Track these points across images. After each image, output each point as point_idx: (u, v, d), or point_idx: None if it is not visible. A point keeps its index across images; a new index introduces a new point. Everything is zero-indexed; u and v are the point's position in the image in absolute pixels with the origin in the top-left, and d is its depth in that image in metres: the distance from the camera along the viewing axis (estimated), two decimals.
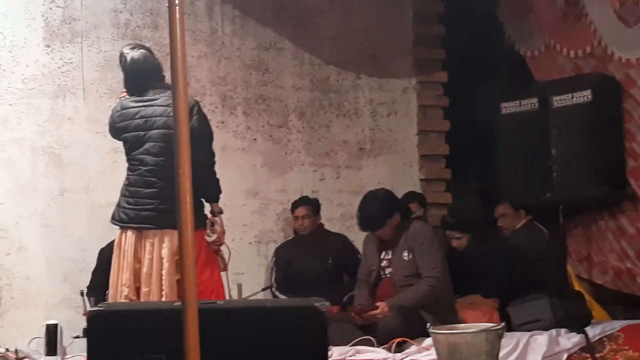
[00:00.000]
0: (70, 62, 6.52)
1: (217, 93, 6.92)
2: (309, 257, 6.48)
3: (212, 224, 4.90)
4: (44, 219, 6.37)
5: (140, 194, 4.75)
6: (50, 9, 6.50)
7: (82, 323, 5.61)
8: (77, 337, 5.62)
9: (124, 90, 5.03)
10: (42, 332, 5.52)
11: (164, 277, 4.66)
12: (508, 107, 7.03)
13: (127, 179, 4.85)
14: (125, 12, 6.71)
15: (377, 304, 5.42)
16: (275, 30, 7.14)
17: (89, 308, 5.48)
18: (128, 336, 3.32)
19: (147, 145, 4.77)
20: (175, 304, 3.27)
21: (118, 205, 4.85)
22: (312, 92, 7.23)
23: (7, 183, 6.29)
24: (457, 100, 7.59)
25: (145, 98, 4.85)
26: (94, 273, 6.19)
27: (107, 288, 6.03)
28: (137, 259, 4.76)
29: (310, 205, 6.65)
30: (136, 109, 4.84)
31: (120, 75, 6.27)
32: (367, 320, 5.40)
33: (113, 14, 6.68)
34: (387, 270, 5.62)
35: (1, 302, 6.21)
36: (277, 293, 6.49)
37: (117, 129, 4.93)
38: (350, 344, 5.17)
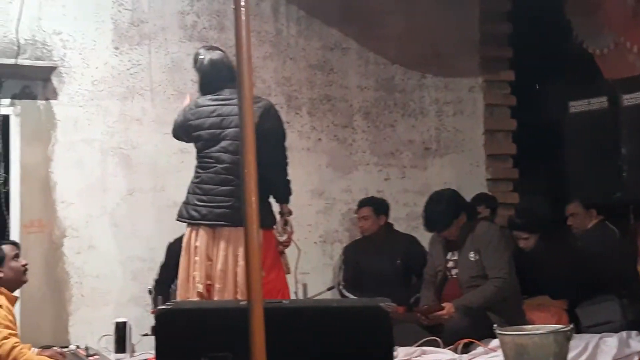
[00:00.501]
0: (139, 64, 6.61)
1: (282, 93, 6.95)
2: (378, 257, 6.45)
3: (285, 223, 4.95)
4: (114, 218, 6.47)
5: (214, 191, 4.76)
6: (119, 11, 6.60)
7: (151, 321, 5.71)
8: (146, 334, 5.69)
9: (192, 92, 5.12)
10: (111, 329, 5.62)
11: (238, 275, 4.68)
12: (577, 106, 6.93)
13: (199, 176, 4.86)
14: (192, 14, 6.78)
15: (443, 304, 5.39)
16: (341, 30, 7.14)
17: (157, 306, 5.56)
18: (195, 334, 3.36)
19: (223, 143, 4.79)
20: (242, 303, 3.30)
21: (187, 203, 4.87)
22: (377, 92, 7.22)
23: (77, 183, 6.40)
24: (524, 99, 7.51)
25: (221, 97, 4.89)
26: (162, 267, 6.25)
27: (173, 282, 6.14)
28: (208, 257, 4.78)
29: (372, 206, 6.58)
30: (212, 107, 4.88)
31: (187, 76, 6.40)
32: (432, 321, 5.37)
33: (180, 16, 6.75)
34: (454, 271, 5.59)
35: (72, 300, 6.31)
36: (344, 292, 6.47)
37: (189, 127, 4.93)
38: (416, 344, 5.15)
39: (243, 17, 2.72)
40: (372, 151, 7.17)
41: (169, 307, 3.54)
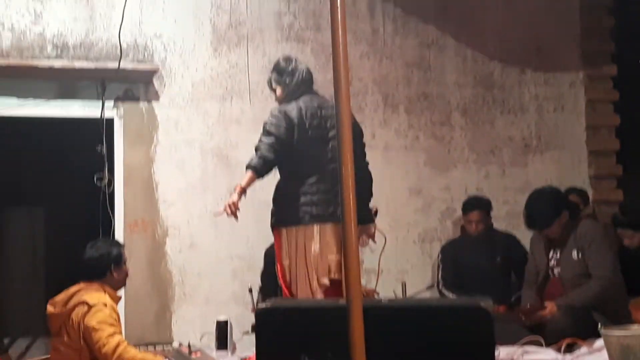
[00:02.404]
0: (237, 65, 6.69)
1: (380, 92, 6.94)
2: (477, 255, 6.37)
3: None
4: (214, 217, 6.55)
5: (337, 187, 4.74)
6: (217, 14, 6.69)
7: (251, 319, 5.78)
8: (247, 332, 5.77)
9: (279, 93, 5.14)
10: (213, 327, 5.71)
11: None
12: None
13: (310, 175, 4.89)
14: (289, 15, 6.83)
15: (546, 303, 5.30)
16: (437, 27, 7.09)
17: (257, 305, 5.62)
18: (295, 333, 3.37)
19: (333, 143, 4.82)
20: (340, 301, 3.30)
21: (304, 204, 4.88)
22: (475, 89, 7.14)
23: (179, 183, 6.52)
24: (628, 93, 7.31)
25: (316, 99, 5.01)
26: (263, 275, 6.31)
27: (276, 289, 6.19)
28: (337, 250, 4.82)
29: (483, 208, 6.46)
30: (315, 110, 4.97)
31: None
32: (535, 320, 5.29)
33: (277, 16, 6.81)
34: (556, 270, 5.49)
35: (175, 298, 6.43)
36: (443, 291, 6.41)
37: (294, 127, 4.92)
38: (518, 343, 5.08)
39: (339, 17, 2.73)
40: (471, 148, 7.10)
41: (269, 305, 3.56)
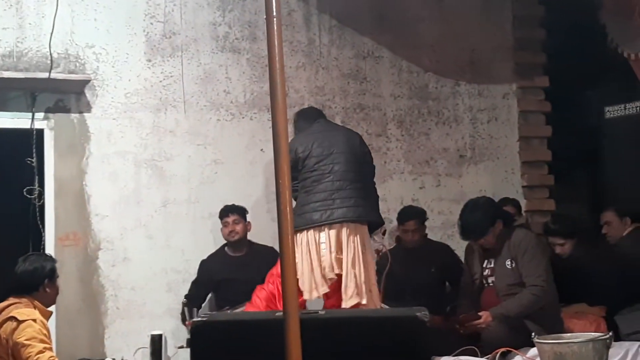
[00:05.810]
0: (171, 76, 6.63)
1: (316, 103, 6.93)
2: (412, 266, 6.40)
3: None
4: (148, 230, 6.48)
5: (335, 194, 5.43)
6: (151, 24, 6.62)
7: (186, 333, 5.71)
8: (181, 347, 5.71)
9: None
10: (147, 342, 5.62)
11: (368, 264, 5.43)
12: (612, 111, 6.85)
13: (312, 187, 5.49)
14: (224, 25, 6.79)
15: (480, 313, 5.33)
16: (373, 38, 7.12)
17: (192, 318, 5.56)
18: (231, 346, 3.34)
19: (331, 158, 5.52)
20: (277, 314, 3.28)
21: (303, 212, 5.42)
22: (410, 100, 7.18)
23: (112, 196, 6.42)
24: (559, 105, 7.43)
25: (319, 125, 5.76)
26: (194, 283, 6.29)
27: (204, 300, 6.20)
28: (338, 249, 5.39)
29: (418, 218, 6.52)
30: (317, 134, 5.65)
31: (219, 87, 6.51)
32: (470, 330, 5.32)
33: (212, 27, 6.76)
34: (490, 279, 5.53)
35: (107, 313, 6.33)
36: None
37: (302, 150, 5.58)
38: (454, 353, 5.11)
39: (275, 27, 2.72)
40: (407, 159, 7.13)
41: (205, 319, 3.52)
